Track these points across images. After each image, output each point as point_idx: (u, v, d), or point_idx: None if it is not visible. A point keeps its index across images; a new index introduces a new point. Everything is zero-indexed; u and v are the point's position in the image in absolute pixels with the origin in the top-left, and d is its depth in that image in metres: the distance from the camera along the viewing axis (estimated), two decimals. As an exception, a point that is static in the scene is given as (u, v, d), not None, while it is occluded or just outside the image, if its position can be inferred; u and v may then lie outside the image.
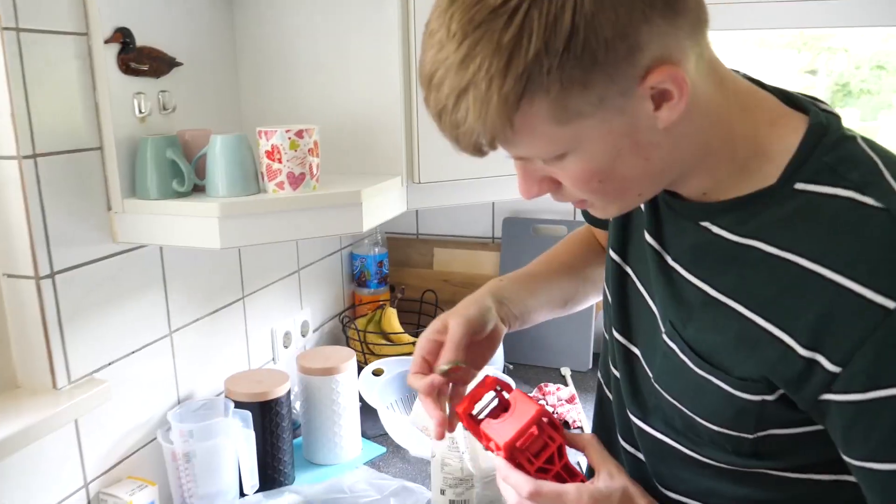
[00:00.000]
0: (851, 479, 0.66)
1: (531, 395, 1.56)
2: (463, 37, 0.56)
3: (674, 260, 0.72)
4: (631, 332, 0.80)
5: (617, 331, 0.82)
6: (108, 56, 1.02)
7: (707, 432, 0.70)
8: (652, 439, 0.78)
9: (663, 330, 0.73)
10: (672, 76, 0.57)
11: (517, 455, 0.76)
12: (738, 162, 0.66)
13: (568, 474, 0.77)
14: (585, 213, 1.00)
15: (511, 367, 1.75)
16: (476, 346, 0.84)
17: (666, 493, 0.79)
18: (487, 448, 0.79)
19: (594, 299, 1.00)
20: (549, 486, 0.73)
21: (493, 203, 1.85)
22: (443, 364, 0.79)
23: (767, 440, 0.67)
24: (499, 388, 0.81)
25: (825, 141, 0.63)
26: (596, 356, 1.77)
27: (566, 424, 1.47)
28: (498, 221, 1.86)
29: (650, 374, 0.76)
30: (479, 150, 0.62)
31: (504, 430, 0.76)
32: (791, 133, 0.65)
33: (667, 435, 0.76)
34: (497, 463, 0.76)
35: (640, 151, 0.62)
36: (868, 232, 0.59)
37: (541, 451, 0.76)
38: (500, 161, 0.69)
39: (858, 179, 0.61)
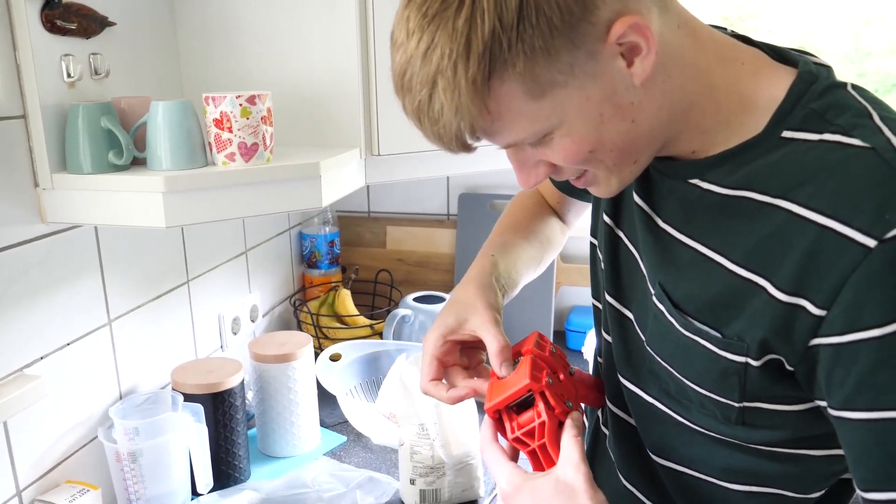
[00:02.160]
0: (842, 452, 0.65)
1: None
2: (421, 31, 0.58)
3: (664, 221, 0.71)
4: (623, 295, 0.79)
5: (610, 294, 0.81)
6: (29, 11, 0.91)
7: (697, 397, 0.70)
8: (644, 404, 0.78)
9: (653, 292, 0.72)
10: (633, 26, 0.57)
11: (503, 414, 0.75)
12: (723, 115, 0.65)
13: (545, 455, 0.73)
14: None
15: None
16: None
17: (656, 458, 0.79)
18: None
19: (551, 260, 1.00)
20: (493, 456, 0.74)
21: (448, 178, 1.79)
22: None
23: (754, 412, 0.67)
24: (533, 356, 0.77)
25: (813, 89, 0.63)
26: (557, 334, 1.74)
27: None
28: (453, 197, 1.79)
29: (643, 338, 0.75)
30: (464, 145, 0.62)
31: (496, 389, 0.75)
32: (777, 83, 0.64)
33: (659, 400, 0.75)
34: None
35: (624, 114, 0.62)
36: (851, 171, 0.58)
37: (528, 422, 0.74)
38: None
39: (845, 123, 0.60)
